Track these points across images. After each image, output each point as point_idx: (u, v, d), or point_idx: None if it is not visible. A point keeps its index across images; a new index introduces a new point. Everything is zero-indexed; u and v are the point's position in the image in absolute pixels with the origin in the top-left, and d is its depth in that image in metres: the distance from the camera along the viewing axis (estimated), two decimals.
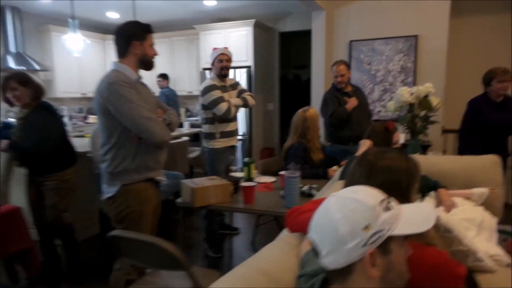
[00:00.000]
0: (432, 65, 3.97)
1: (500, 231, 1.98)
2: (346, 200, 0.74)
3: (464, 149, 3.17)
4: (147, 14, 5.42)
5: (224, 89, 3.03)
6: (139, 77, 1.87)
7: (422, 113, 2.95)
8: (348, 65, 3.25)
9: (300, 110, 2.86)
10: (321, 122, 3.01)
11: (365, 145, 2.14)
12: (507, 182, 2.35)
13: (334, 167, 2.63)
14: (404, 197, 0.99)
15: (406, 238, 0.74)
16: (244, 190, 2.05)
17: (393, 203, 0.75)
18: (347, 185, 1.06)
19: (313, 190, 2.19)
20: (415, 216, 0.74)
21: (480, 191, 2.03)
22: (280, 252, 1.15)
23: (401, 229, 0.71)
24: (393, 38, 4.12)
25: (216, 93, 2.92)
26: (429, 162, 2.36)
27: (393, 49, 4.15)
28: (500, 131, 3.03)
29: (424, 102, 2.92)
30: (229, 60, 3.04)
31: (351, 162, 1.36)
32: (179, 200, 2.16)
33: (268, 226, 3.23)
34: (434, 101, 2.89)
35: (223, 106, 2.90)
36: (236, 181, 2.27)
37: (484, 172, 2.23)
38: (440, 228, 1.52)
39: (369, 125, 2.33)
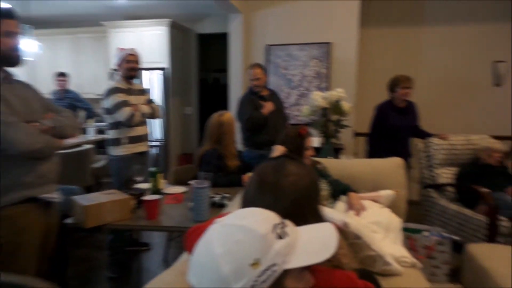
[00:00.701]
0: (344, 71, 4.14)
1: (404, 229, 2.06)
2: (231, 229, 0.60)
3: (373, 152, 3.32)
4: (46, 5, 4.82)
5: (129, 92, 2.78)
6: (8, 75, 1.53)
7: (335, 117, 3.01)
8: (264, 69, 3.20)
9: (215, 114, 2.70)
10: (237, 127, 2.90)
11: (278, 150, 2.06)
12: (409, 180, 2.48)
13: (249, 174, 2.53)
14: (314, 211, 0.89)
15: (307, 267, 0.62)
16: (146, 204, 1.82)
17: (289, 227, 0.63)
18: None
19: (225, 200, 2.04)
20: (313, 242, 0.62)
21: (387, 193, 2.09)
22: (174, 283, 0.98)
23: (297, 261, 0.58)
24: (308, 44, 4.21)
25: (119, 97, 2.66)
26: (341, 166, 2.39)
27: (308, 55, 4.23)
28: (403, 134, 3.24)
29: (336, 106, 2.98)
30: (137, 61, 2.85)
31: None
32: (69, 220, 1.84)
33: (182, 240, 3.00)
34: (346, 106, 2.97)
35: (125, 111, 2.65)
36: (140, 194, 2.02)
37: (390, 175, 2.32)
38: (349, 236, 1.49)
39: (284, 130, 2.27)
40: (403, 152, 3.07)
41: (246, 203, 0.91)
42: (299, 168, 0.91)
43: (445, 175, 3.09)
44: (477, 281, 1.94)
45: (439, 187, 3.06)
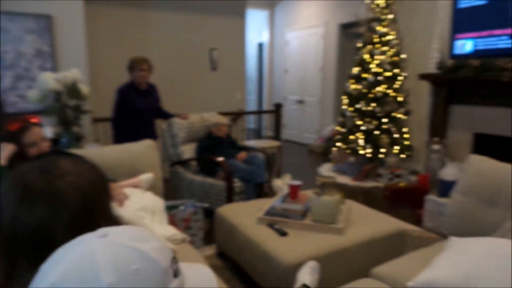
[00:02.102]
0: (72, 50, 3.67)
1: (166, 208, 2.13)
2: (127, 252, 0.42)
3: (118, 137, 3.19)
4: None
5: None
6: None
7: (73, 102, 2.67)
8: None
9: None
10: None
11: (7, 149, 1.61)
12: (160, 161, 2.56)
13: None
14: (106, 212, 0.73)
15: None
16: None
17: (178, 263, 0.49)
18: None
19: None
20: (199, 280, 0.52)
21: (147, 176, 2.08)
22: None
23: None
24: (21, 16, 3.44)
25: None
26: (92, 155, 2.15)
27: (23, 28, 3.47)
28: (147, 116, 3.28)
29: (72, 90, 2.64)
30: None
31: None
32: None
33: None
34: (84, 89, 2.68)
35: None
36: None
37: (144, 158, 2.31)
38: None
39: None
40: (150, 134, 3.12)
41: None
42: (75, 163, 0.73)
43: (188, 151, 3.40)
44: (228, 236, 2.28)
45: (184, 163, 3.34)
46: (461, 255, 1.28)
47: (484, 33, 3.58)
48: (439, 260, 1.31)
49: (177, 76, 4.77)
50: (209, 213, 2.71)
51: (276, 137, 4.84)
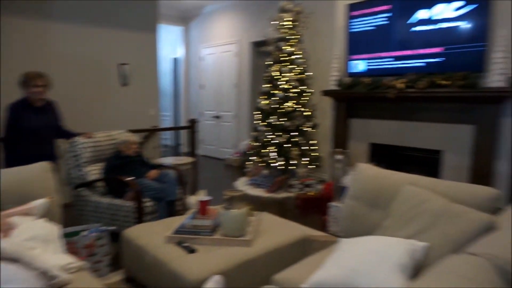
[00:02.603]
0: None
1: (63, 235, 1.97)
2: None
3: (11, 159, 2.88)
4: None
5: None
6: None
7: None
8: None
9: None
10: None
11: None
12: (59, 184, 2.36)
13: None
14: None
15: None
16: None
17: None
18: None
19: None
20: None
21: (39, 202, 1.91)
22: None
23: None
24: None
25: None
26: None
27: None
28: (44, 136, 3.02)
29: None
30: None
31: None
32: None
33: None
34: None
35: None
36: None
37: (38, 182, 2.11)
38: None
39: None
40: (47, 155, 2.86)
41: None
42: None
43: (94, 171, 3.19)
44: (135, 259, 2.19)
45: (89, 185, 3.13)
46: (346, 253, 1.42)
47: (373, 55, 4.06)
48: (328, 261, 1.44)
49: (82, 92, 4.49)
50: (116, 237, 2.57)
51: (192, 153, 4.81)
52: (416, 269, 1.37)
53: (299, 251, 2.22)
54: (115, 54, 4.78)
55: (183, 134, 7.64)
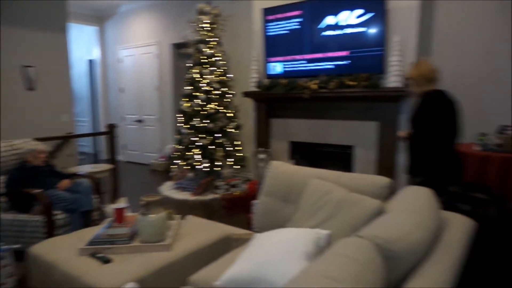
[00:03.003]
0: None
1: None
2: None
3: None
4: None
5: None
6: None
7: None
8: None
9: None
10: None
11: None
12: None
13: None
14: None
15: None
16: None
17: None
18: None
19: None
20: None
21: None
22: None
23: None
24: None
25: None
26: None
27: None
28: None
29: None
30: None
31: None
32: None
33: None
34: None
35: None
36: None
37: None
38: None
39: None
40: None
41: None
42: None
43: None
44: (44, 276, 2.03)
45: None
46: (257, 248, 1.49)
47: (289, 57, 4.27)
48: (241, 256, 1.49)
49: None
50: (21, 256, 2.35)
51: (112, 159, 4.58)
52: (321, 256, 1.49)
53: (220, 250, 2.25)
54: (17, 55, 4.36)
55: (103, 140, 7.23)
